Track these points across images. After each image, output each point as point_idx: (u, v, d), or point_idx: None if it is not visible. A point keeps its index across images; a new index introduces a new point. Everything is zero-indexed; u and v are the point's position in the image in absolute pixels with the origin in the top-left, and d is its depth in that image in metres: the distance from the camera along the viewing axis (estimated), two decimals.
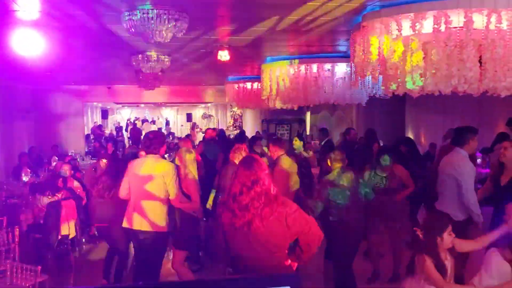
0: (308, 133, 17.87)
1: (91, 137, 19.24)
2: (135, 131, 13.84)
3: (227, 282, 1.03)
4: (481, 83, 4.66)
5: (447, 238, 3.45)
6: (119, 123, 25.51)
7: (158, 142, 5.01)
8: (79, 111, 16.32)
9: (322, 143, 10.09)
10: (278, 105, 9.69)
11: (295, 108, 10.88)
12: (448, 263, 3.48)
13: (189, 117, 25.46)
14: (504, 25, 4.45)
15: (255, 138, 9.24)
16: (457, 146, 5.21)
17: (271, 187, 3.07)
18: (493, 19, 4.44)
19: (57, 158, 10.48)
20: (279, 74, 9.05)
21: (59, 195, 6.65)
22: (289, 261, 3.11)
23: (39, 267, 4.59)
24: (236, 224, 3.00)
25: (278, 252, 3.02)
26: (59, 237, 6.47)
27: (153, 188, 4.82)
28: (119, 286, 5.14)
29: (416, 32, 4.69)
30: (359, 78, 5.70)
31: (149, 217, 4.80)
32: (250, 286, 0.94)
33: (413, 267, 3.73)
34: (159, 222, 4.83)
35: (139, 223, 4.81)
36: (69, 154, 12.45)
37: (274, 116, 18.41)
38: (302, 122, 18.61)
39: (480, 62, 4.63)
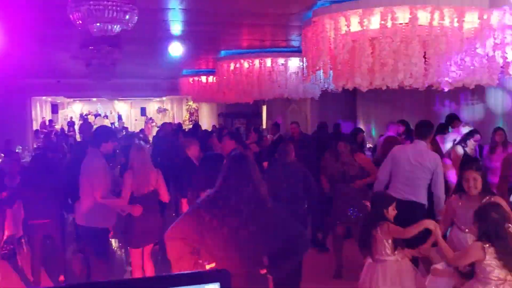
0: (264, 126, 17.96)
1: (40, 133, 18.62)
2: (85, 126, 13.49)
3: (155, 280, 1.03)
4: (425, 78, 4.83)
5: (392, 212, 3.89)
6: (71, 118, 24.78)
7: (101, 137, 5.06)
8: (26, 105, 15.75)
9: (274, 137, 10.14)
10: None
11: (251, 102, 10.93)
12: None
13: (143, 111, 25.04)
14: (447, 22, 4.62)
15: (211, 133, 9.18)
16: (420, 138, 5.36)
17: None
18: (436, 16, 4.60)
19: (3, 155, 10.08)
20: (233, 68, 9.06)
21: (4, 194, 6.41)
22: (265, 270, 2.87)
23: None
24: (220, 226, 2.76)
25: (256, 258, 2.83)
26: (5, 237, 6.25)
27: (87, 184, 4.89)
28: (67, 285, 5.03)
29: (364, 28, 4.80)
30: (311, 73, 5.78)
31: (87, 212, 4.88)
32: (178, 284, 0.94)
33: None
34: (102, 218, 4.88)
35: (85, 219, 4.91)
36: (16, 150, 12.00)
37: (230, 110, 18.38)
38: (259, 115, 18.69)
39: (424, 57, 4.79)
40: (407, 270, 3.84)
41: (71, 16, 4.89)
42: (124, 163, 6.95)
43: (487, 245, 3.18)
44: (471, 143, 6.63)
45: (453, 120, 7.56)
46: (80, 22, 4.82)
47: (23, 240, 6.81)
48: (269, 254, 2.87)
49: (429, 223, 3.69)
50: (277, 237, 2.84)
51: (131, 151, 5.29)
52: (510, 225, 3.28)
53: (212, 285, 0.96)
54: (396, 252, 3.81)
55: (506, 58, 4.71)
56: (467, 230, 3.85)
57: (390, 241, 3.79)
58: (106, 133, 5.30)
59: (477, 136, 6.67)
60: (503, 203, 3.68)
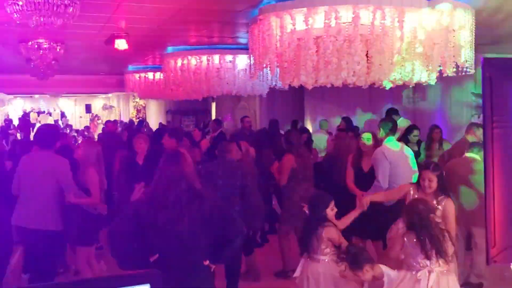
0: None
1: None
2: (24, 123, 12.90)
3: (86, 282, 1.01)
4: (368, 76, 4.97)
5: (330, 212, 3.94)
6: (7, 115, 23.71)
7: (53, 137, 4.85)
8: None
9: (215, 133, 10.05)
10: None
11: (200, 99, 10.84)
12: None
13: (88, 108, 24.32)
14: (388, 22, 4.77)
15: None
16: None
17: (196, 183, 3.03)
18: (378, 15, 4.74)
19: None
20: (181, 64, 8.96)
21: None
22: (208, 261, 3.06)
23: None
24: (160, 221, 2.91)
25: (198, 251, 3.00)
26: None
27: (44, 185, 4.61)
28: None
29: (309, 26, 4.88)
30: (258, 70, 5.82)
31: (40, 215, 4.59)
32: (109, 286, 0.92)
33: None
34: (51, 220, 4.62)
35: (30, 221, 4.59)
36: None
37: (179, 107, 18.18)
38: (208, 112, 18.59)
39: (367, 56, 4.93)
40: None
41: (7, 9, 4.69)
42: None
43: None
44: (412, 138, 6.89)
45: (391, 114, 7.90)
46: (18, 15, 4.62)
47: None
48: (209, 244, 3.06)
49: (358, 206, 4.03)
50: (213, 226, 3.03)
51: (83, 147, 5.18)
52: (434, 215, 3.57)
53: (143, 286, 0.95)
54: (331, 252, 3.86)
55: (444, 58, 4.92)
56: None
57: (329, 244, 3.86)
58: (56, 132, 5.12)
59: (416, 131, 6.96)
60: (449, 203, 3.96)
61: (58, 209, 4.69)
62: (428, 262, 3.42)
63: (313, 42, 4.91)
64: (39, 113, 25.23)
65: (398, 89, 8.04)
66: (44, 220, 4.59)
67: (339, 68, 4.84)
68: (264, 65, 5.57)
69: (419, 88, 7.93)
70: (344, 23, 4.80)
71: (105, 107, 24.99)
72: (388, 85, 5.17)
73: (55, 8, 4.68)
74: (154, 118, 20.90)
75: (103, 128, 14.30)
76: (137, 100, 22.62)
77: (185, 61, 8.93)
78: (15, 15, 4.61)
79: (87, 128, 17.01)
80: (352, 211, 4.23)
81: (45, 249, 4.61)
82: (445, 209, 3.94)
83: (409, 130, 7.15)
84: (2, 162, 6.04)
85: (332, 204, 3.97)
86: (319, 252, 3.85)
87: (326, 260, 3.84)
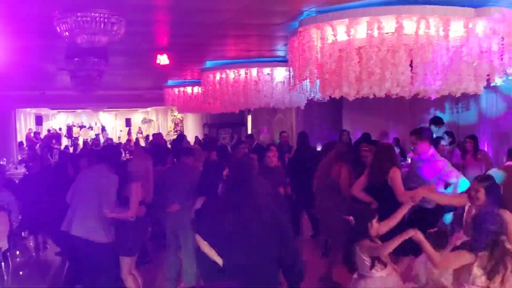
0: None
1: (24, 145, 18.38)
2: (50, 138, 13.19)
3: None
4: (412, 86, 4.89)
5: (375, 224, 3.86)
6: (55, 130, 24.50)
7: (113, 153, 5.23)
8: (11, 117, 15.54)
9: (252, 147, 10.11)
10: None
11: (236, 112, 10.93)
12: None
13: (128, 122, 24.87)
14: (432, 31, 4.69)
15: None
16: None
17: None
18: (422, 25, 4.67)
19: None
20: (219, 78, 9.06)
21: None
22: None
23: None
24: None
25: None
26: None
27: (89, 198, 4.83)
28: None
29: (351, 37, 4.85)
30: (297, 82, 5.81)
31: (83, 224, 4.81)
32: None
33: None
34: (92, 231, 4.80)
35: (74, 228, 4.83)
36: (0, 163, 11.83)
37: (215, 120, 18.36)
38: (244, 125, 18.70)
39: (411, 66, 4.85)
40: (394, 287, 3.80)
41: (58, 28, 4.86)
42: None
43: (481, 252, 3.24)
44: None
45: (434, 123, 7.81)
46: (67, 33, 4.79)
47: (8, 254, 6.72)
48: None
49: (410, 232, 3.64)
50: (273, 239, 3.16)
51: (135, 160, 5.34)
52: (504, 236, 3.35)
53: None
54: (379, 268, 3.74)
55: (492, 66, 4.79)
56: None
57: (368, 258, 3.75)
58: (117, 149, 5.59)
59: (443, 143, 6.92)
60: (506, 214, 3.74)
61: (103, 221, 4.84)
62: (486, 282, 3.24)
63: (356, 52, 4.87)
64: (81, 127, 25.98)
65: (441, 99, 7.87)
66: (87, 230, 4.79)
67: (383, 79, 4.78)
68: (304, 77, 5.56)
69: (462, 97, 7.72)
70: (387, 33, 4.75)
71: (144, 121, 25.52)
72: (433, 95, 5.06)
73: (102, 26, 4.83)
74: (191, 131, 21.18)
75: (150, 141, 14.60)
76: (175, 113, 23.01)
77: (223, 75, 9.03)
78: (66, 34, 4.78)
79: (128, 141, 17.37)
80: (399, 209, 4.12)
81: (88, 258, 4.81)
82: (504, 221, 3.73)
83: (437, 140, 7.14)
84: (44, 175, 6.25)
85: (376, 218, 3.88)
86: (361, 269, 3.76)
87: (377, 275, 3.73)
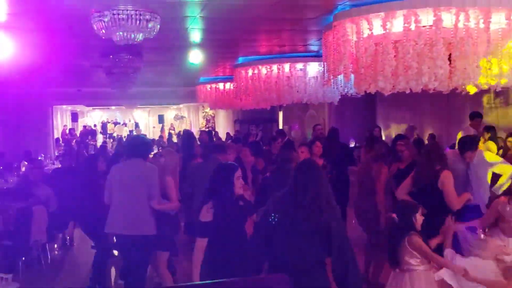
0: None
1: (60, 141, 18.86)
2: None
3: (218, 284, 1.00)
4: (450, 80, 4.76)
5: (419, 218, 3.77)
6: (90, 126, 25.06)
7: (145, 147, 5.16)
8: (48, 114, 15.95)
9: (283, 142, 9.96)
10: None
11: (268, 108, 10.89)
12: None
13: (160, 118, 25.19)
14: (472, 24, 4.55)
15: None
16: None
17: None
18: (461, 17, 4.54)
19: (26, 163, 10.21)
20: (251, 74, 9.07)
21: (30, 201, 6.49)
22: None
23: (10, 275, 4.47)
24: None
25: None
26: (30, 243, 6.32)
27: (137, 192, 4.79)
28: None
29: (387, 31, 4.76)
30: (332, 77, 5.75)
31: (134, 220, 4.77)
32: None
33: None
34: (144, 225, 4.78)
35: (125, 228, 4.78)
36: (38, 158, 12.16)
37: (246, 117, 18.38)
38: (275, 121, 18.66)
39: (449, 59, 4.72)
40: (431, 284, 3.72)
41: (94, 26, 4.95)
42: None
43: None
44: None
45: (473, 118, 7.56)
46: (104, 31, 4.87)
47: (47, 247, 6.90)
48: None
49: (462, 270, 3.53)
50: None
51: (166, 155, 5.38)
52: None
53: None
54: (424, 262, 3.70)
55: None
56: None
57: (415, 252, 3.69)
58: (148, 143, 5.46)
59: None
60: None
61: (151, 213, 4.85)
62: None
63: (392, 46, 4.78)
64: (115, 123, 26.49)
65: (478, 94, 7.65)
66: (138, 225, 4.76)
67: (420, 73, 4.67)
68: (339, 72, 5.49)
69: (501, 91, 7.49)
70: (424, 26, 4.64)
71: (176, 118, 25.80)
72: (472, 90, 4.92)
73: (137, 23, 4.89)
74: (223, 128, 21.30)
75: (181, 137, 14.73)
76: (206, 110, 23.16)
77: (256, 71, 9.02)
78: (102, 31, 4.86)
79: (161, 138, 17.61)
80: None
81: (141, 254, 4.80)
82: None
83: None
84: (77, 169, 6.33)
85: (420, 211, 3.80)
86: (406, 263, 3.70)
87: (418, 270, 3.67)
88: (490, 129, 7.59)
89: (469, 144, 5.10)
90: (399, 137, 6.77)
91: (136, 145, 5.07)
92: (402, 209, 3.85)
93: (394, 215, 3.77)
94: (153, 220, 4.83)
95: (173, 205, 5.03)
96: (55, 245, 7.75)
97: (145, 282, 4.98)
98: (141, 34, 5.01)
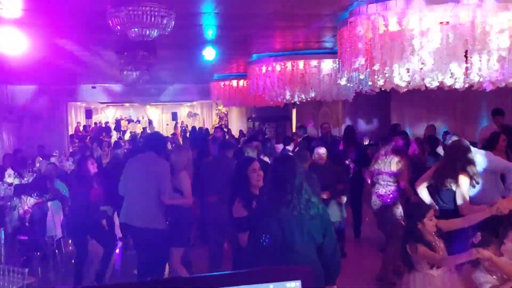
0: (294, 130, 17.88)
1: (74, 138, 19.04)
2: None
3: (233, 276, 1.00)
4: (467, 78, 4.70)
5: (428, 222, 3.57)
6: (101, 123, 25.23)
7: (160, 143, 5.27)
8: (63, 111, 16.11)
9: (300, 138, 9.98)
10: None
11: (281, 105, 10.87)
12: (438, 244, 3.59)
13: (174, 115, 25.30)
14: (490, 19, 4.49)
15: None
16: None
17: None
18: (478, 14, 4.48)
19: (41, 159, 10.33)
20: (265, 71, 9.05)
21: (46, 196, 6.56)
22: None
23: (27, 270, 4.51)
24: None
25: None
26: (46, 238, 6.38)
27: (147, 186, 4.88)
28: (105, 285, 5.10)
29: (403, 27, 4.71)
30: (347, 74, 5.71)
31: (143, 212, 4.87)
32: (257, 280, 0.91)
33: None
34: (152, 218, 4.85)
35: (135, 219, 4.89)
36: (53, 154, 12.28)
37: (260, 114, 18.37)
38: (288, 119, 18.63)
39: (466, 57, 4.66)
40: (452, 286, 3.58)
41: (110, 22, 4.97)
42: None
43: None
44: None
45: (495, 115, 7.43)
46: (119, 27, 4.89)
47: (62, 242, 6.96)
48: None
49: (477, 253, 3.19)
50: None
51: (176, 151, 5.42)
52: None
53: (294, 283, 0.93)
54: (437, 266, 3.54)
55: None
56: None
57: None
58: (164, 139, 5.61)
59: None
60: None
61: (159, 208, 4.91)
62: None
63: (408, 43, 4.73)
64: (129, 121, 26.64)
65: (495, 91, 7.53)
66: (147, 218, 4.85)
67: (436, 70, 4.62)
68: (354, 69, 5.46)
69: None
70: (441, 22, 4.58)
71: (189, 115, 25.86)
72: (488, 87, 4.85)
73: (152, 19, 4.90)
74: (236, 125, 21.31)
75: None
76: (220, 107, 23.19)
77: (270, 68, 9.00)
78: (117, 28, 4.89)
79: (174, 135, 17.68)
80: (473, 216, 3.85)
81: (150, 246, 4.87)
82: None
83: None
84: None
85: (431, 213, 3.64)
86: (418, 265, 3.62)
87: (435, 274, 3.53)
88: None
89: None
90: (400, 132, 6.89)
91: (151, 140, 5.23)
92: (409, 213, 3.74)
93: (401, 219, 3.66)
94: (161, 214, 4.91)
95: (185, 200, 5.05)
96: (70, 241, 7.82)
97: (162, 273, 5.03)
98: (156, 31, 5.02)
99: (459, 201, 4.50)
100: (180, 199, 5.01)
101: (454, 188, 4.56)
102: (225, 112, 23.54)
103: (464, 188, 4.50)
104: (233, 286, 0.91)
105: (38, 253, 6.33)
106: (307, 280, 0.92)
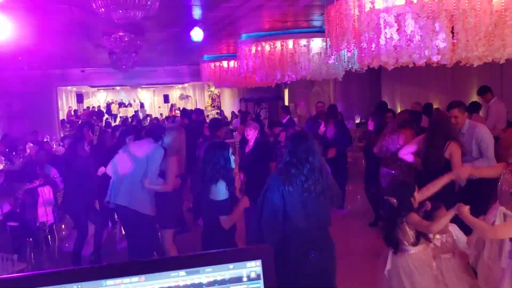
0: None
1: (66, 123, 18.92)
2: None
3: (196, 257, 1.01)
4: (454, 54, 4.68)
5: (417, 196, 3.74)
6: (94, 108, 25.07)
7: (159, 131, 5.34)
8: (53, 95, 15.98)
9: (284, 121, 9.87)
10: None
11: (273, 86, 10.82)
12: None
13: (166, 98, 25.17)
14: None
15: None
16: None
17: None
18: None
19: (32, 145, 10.27)
20: (255, 51, 8.99)
21: (37, 182, 6.55)
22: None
23: (16, 256, 4.53)
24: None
25: None
26: (37, 224, 6.39)
27: (135, 168, 4.96)
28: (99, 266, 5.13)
29: (389, 4, 4.67)
30: (335, 52, 5.68)
31: (129, 193, 4.96)
32: (218, 261, 0.91)
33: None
34: (137, 202, 4.93)
35: (120, 198, 4.99)
36: (44, 140, 12.23)
37: (252, 95, 18.33)
38: (280, 99, 18.60)
39: (452, 32, 4.64)
40: (429, 264, 3.67)
41: (93, 4, 4.91)
42: None
43: None
44: None
45: (485, 92, 7.45)
46: (103, 10, 4.83)
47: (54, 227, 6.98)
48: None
49: (457, 208, 3.42)
50: None
51: (169, 135, 5.41)
52: None
53: (254, 262, 0.94)
54: (419, 243, 3.63)
55: None
56: None
57: (413, 232, 3.63)
58: (163, 128, 5.65)
59: None
60: None
61: (146, 192, 4.98)
62: None
63: (394, 20, 4.69)
64: (120, 104, 26.48)
65: (484, 68, 7.54)
66: (132, 200, 4.95)
67: (422, 47, 4.60)
68: (342, 47, 5.42)
69: (508, 65, 7.39)
70: None
71: (181, 97, 25.74)
72: (476, 63, 4.83)
73: (136, 1, 4.84)
74: (228, 106, 21.26)
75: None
76: (212, 89, 23.09)
77: (259, 48, 8.93)
78: (101, 10, 4.82)
79: (168, 117, 17.62)
80: (441, 179, 3.98)
81: (135, 228, 4.99)
82: None
83: None
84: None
85: (416, 188, 3.74)
86: (406, 244, 3.66)
87: (414, 251, 3.63)
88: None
89: None
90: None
91: (151, 128, 5.55)
92: (400, 192, 3.71)
93: (394, 200, 3.66)
94: (147, 199, 4.96)
95: (164, 186, 5.04)
96: (63, 226, 7.84)
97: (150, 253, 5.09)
98: (140, 12, 4.96)
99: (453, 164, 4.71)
100: (158, 185, 5.02)
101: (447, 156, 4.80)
102: (218, 94, 23.44)
103: (457, 154, 4.77)
104: (194, 268, 0.92)
105: (30, 239, 6.34)
106: (268, 259, 0.92)
